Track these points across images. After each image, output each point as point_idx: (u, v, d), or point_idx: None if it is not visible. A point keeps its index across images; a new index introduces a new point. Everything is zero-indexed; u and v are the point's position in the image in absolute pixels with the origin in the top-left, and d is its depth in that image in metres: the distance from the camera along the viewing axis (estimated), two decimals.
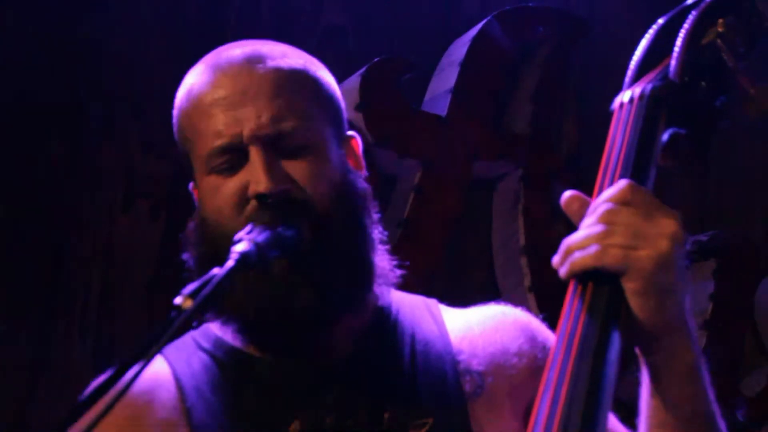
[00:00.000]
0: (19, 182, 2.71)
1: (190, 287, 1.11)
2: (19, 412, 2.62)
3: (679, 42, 1.24)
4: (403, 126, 2.79)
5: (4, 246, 2.67)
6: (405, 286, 1.56)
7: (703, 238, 3.12)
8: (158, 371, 1.44)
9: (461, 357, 1.48)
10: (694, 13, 1.26)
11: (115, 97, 2.80)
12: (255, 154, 1.40)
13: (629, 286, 1.13)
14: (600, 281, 1.14)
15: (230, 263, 1.20)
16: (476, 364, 1.48)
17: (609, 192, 1.16)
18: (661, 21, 1.30)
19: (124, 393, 1.04)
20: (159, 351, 1.06)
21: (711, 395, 1.24)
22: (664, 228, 1.14)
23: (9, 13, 2.73)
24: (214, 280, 1.14)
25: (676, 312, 1.17)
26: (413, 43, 3.03)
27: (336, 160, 1.45)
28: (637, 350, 1.22)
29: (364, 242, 1.45)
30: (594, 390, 1.10)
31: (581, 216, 1.18)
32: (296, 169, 1.41)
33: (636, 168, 1.19)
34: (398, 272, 1.51)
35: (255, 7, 2.94)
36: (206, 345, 1.48)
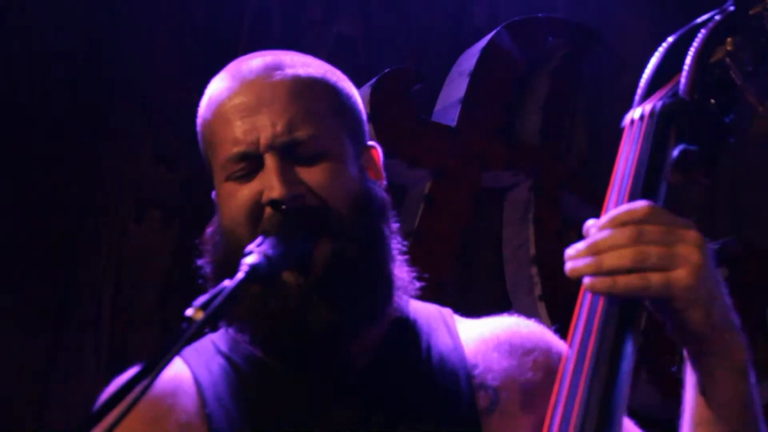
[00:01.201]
0: (31, 194, 2.72)
1: (201, 299, 1.12)
2: (34, 420, 2.63)
3: (688, 60, 1.25)
4: (413, 136, 2.80)
5: (16, 257, 2.69)
6: (416, 296, 1.56)
7: (715, 246, 3.12)
8: (180, 374, 1.45)
9: (476, 371, 1.48)
10: (703, 31, 1.28)
11: (126, 107, 2.82)
12: (269, 162, 1.40)
13: (675, 306, 1.16)
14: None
15: (240, 275, 1.21)
16: (491, 379, 1.47)
17: (629, 212, 1.17)
18: (670, 39, 1.32)
19: (136, 403, 1.04)
20: (170, 361, 1.07)
21: (757, 393, 1.26)
22: (690, 239, 1.16)
23: (20, 23, 2.74)
24: (225, 292, 1.14)
25: (722, 314, 1.20)
26: (423, 54, 3.04)
27: (353, 168, 1.46)
28: (685, 354, 1.25)
29: (384, 254, 1.45)
30: (608, 401, 1.12)
31: None
32: (311, 176, 1.41)
33: (646, 184, 1.21)
34: (417, 283, 1.51)
35: (266, 18, 2.95)
36: (225, 349, 1.48)
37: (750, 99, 1.26)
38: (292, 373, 1.45)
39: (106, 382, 1.48)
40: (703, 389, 1.24)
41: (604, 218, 1.18)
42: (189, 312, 1.10)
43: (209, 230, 1.49)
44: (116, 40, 2.83)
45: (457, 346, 1.50)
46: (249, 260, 1.24)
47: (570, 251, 1.19)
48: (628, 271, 1.15)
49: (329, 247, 1.39)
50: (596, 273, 1.16)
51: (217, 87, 1.48)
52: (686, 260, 1.15)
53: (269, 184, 1.39)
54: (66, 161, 2.75)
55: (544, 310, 2.82)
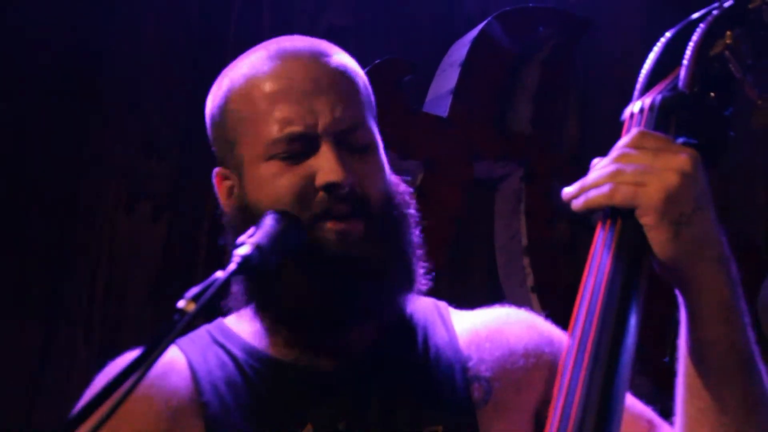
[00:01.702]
0: (23, 184, 2.72)
1: (193, 291, 1.12)
2: (24, 414, 2.63)
3: (688, 53, 1.26)
4: (405, 127, 2.79)
5: (8, 247, 2.68)
6: None
7: None
8: (174, 360, 1.45)
9: (470, 363, 1.49)
10: (702, 25, 1.28)
11: (117, 98, 2.81)
12: (327, 147, 1.40)
13: (643, 221, 1.18)
14: (623, 220, 1.20)
15: (232, 266, 1.20)
16: (484, 370, 1.48)
17: (623, 140, 1.21)
18: (668, 34, 1.32)
19: (129, 394, 1.04)
20: (162, 352, 1.07)
21: (750, 334, 1.25)
22: (673, 163, 1.18)
23: (12, 16, 2.73)
24: (216, 284, 1.14)
25: (695, 243, 1.20)
26: (414, 45, 3.03)
27: (385, 161, 1.48)
28: (676, 292, 1.25)
29: (408, 246, 1.47)
30: (608, 392, 1.13)
31: None
32: (360, 166, 1.43)
33: None
34: (428, 279, 1.52)
35: (257, 8, 2.94)
36: (222, 340, 1.48)
37: (749, 92, 1.26)
38: (290, 364, 1.45)
39: (98, 374, 1.48)
40: (687, 333, 1.25)
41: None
42: (181, 304, 1.10)
43: (233, 209, 1.47)
44: (105, 30, 2.82)
45: (452, 339, 1.51)
46: (241, 251, 1.24)
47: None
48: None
49: (363, 228, 1.41)
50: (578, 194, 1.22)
51: (260, 65, 1.46)
52: (659, 179, 1.17)
53: (329, 167, 1.39)
54: (55, 153, 2.74)
55: (536, 301, 2.82)
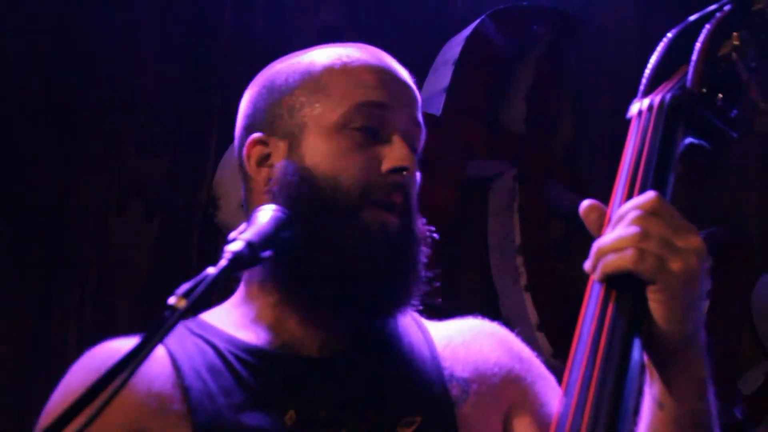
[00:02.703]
0: (14, 183, 2.71)
1: (184, 287, 1.12)
2: (14, 416, 2.62)
3: (696, 53, 1.25)
4: None
5: None
6: None
7: (701, 235, 3.12)
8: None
9: (446, 364, 1.52)
10: (708, 26, 1.27)
11: (109, 96, 2.80)
12: (400, 139, 1.47)
13: (657, 297, 1.15)
14: (625, 287, 1.15)
15: (223, 263, 1.20)
16: (460, 371, 1.51)
17: (636, 200, 1.17)
18: (673, 31, 1.31)
19: (120, 390, 1.04)
20: (153, 348, 1.06)
21: (715, 409, 1.27)
22: (693, 243, 1.16)
23: (2, 13, 2.73)
24: (207, 280, 1.14)
25: (694, 327, 1.20)
26: (407, 43, 3.03)
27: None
28: (647, 362, 1.24)
29: (421, 257, 1.51)
30: (619, 395, 1.11)
31: (600, 225, 1.20)
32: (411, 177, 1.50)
33: (656, 175, 1.20)
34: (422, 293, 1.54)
35: (249, 6, 2.94)
36: (199, 331, 1.49)
37: (753, 95, 1.26)
38: (271, 353, 1.46)
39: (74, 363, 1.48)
40: (660, 403, 1.25)
41: (614, 217, 1.17)
42: (172, 300, 1.10)
43: (290, 172, 1.47)
44: (97, 28, 2.81)
45: (428, 340, 1.54)
46: (232, 247, 1.24)
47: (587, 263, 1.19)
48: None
49: (399, 225, 1.46)
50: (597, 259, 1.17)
51: (345, 51, 1.52)
52: (683, 258, 1.14)
53: (402, 154, 1.46)
54: (46, 152, 2.73)
55: (530, 300, 2.82)
